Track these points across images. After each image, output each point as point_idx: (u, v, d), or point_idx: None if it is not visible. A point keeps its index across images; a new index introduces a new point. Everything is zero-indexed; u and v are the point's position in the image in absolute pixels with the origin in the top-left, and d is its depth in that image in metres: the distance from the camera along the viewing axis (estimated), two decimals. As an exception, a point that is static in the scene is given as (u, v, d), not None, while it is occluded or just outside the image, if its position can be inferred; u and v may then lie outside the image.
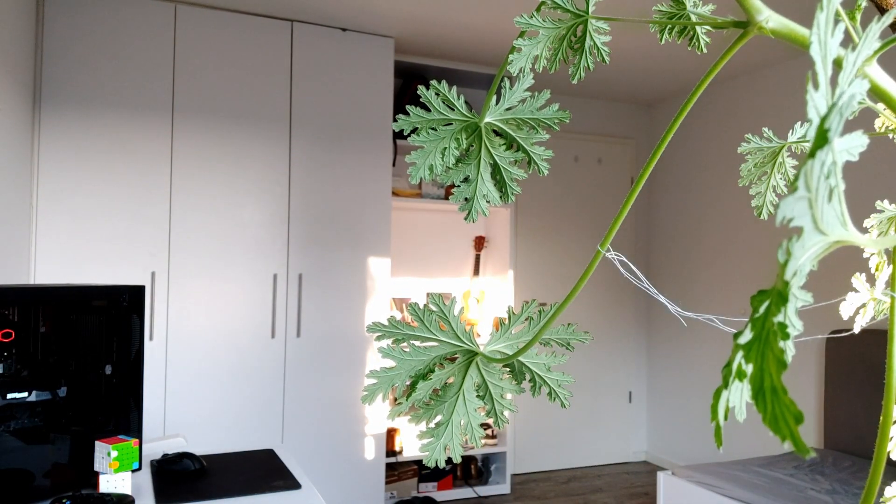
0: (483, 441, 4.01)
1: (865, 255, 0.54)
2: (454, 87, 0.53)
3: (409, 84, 3.86)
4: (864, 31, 0.28)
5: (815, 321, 3.04)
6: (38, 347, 1.37)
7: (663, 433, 4.61)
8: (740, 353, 0.25)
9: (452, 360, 0.50)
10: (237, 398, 3.07)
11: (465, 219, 0.55)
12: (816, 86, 0.25)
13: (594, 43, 0.51)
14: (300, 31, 3.23)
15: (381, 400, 0.50)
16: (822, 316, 2.38)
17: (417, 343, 0.49)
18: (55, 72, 2.80)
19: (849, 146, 0.27)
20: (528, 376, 0.52)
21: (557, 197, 4.54)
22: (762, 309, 0.25)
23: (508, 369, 0.52)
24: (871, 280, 0.54)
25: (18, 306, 1.34)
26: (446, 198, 3.92)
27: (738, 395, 0.26)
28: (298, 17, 3.21)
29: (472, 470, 4.02)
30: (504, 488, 3.96)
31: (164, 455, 1.60)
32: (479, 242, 4.22)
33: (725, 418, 0.26)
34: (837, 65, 0.27)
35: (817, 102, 0.25)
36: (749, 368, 0.25)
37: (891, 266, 0.53)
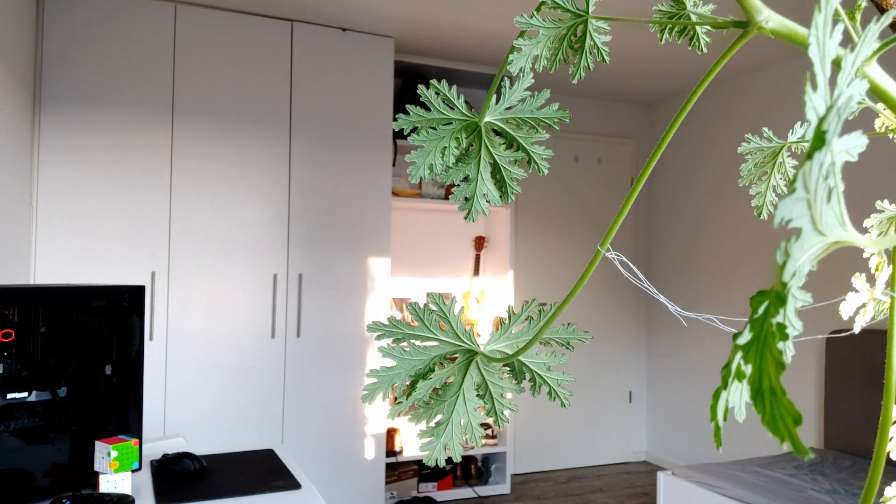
0: (483, 441, 4.01)
1: (865, 255, 0.54)
2: (454, 87, 0.53)
3: (409, 84, 3.86)
4: (863, 32, 0.28)
5: (815, 321, 3.04)
6: (38, 347, 1.37)
7: (663, 433, 4.61)
8: (739, 354, 0.25)
9: (452, 359, 0.50)
10: (237, 398, 3.07)
11: (465, 218, 0.55)
12: (815, 87, 0.25)
13: (594, 43, 0.51)
14: (300, 31, 3.23)
15: (381, 399, 0.50)
16: (822, 316, 2.38)
17: (417, 342, 0.49)
18: (55, 72, 2.80)
19: (848, 147, 0.27)
20: (528, 376, 0.52)
21: (557, 197, 4.54)
22: (761, 310, 0.25)
23: (508, 369, 0.52)
24: (871, 280, 0.54)
25: (18, 306, 1.34)
26: (446, 197, 3.92)
27: (738, 396, 0.26)
28: (298, 17, 3.21)
29: (472, 470, 4.02)
30: (504, 488, 3.96)
31: (164, 455, 1.60)
32: (479, 242, 4.22)
33: (725, 419, 0.26)
34: (836, 65, 0.27)
35: (816, 103, 0.25)
36: (748, 369, 0.25)
37: (891, 266, 0.53)
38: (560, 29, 0.51)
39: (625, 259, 0.51)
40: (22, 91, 2.60)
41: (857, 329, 0.55)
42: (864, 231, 0.56)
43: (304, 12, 3.15)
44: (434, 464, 0.47)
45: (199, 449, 1.90)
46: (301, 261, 3.21)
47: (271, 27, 3.17)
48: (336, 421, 3.26)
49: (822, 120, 0.24)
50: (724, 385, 0.26)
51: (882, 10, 0.51)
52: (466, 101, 0.53)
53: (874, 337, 2.94)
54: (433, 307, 0.50)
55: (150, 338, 2.91)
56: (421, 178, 0.52)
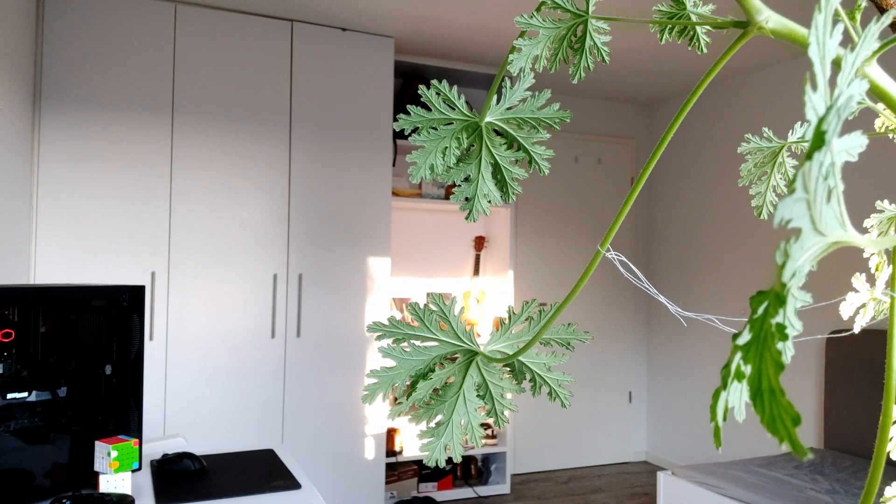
0: (483, 441, 4.01)
1: (865, 255, 0.54)
2: (455, 87, 0.53)
3: (409, 84, 3.86)
4: (863, 32, 0.28)
5: (815, 321, 3.04)
6: (38, 347, 1.37)
7: (663, 433, 4.61)
8: (739, 354, 0.25)
9: (452, 359, 0.50)
10: (237, 398, 3.07)
11: (466, 218, 0.55)
12: (815, 87, 0.25)
13: (594, 43, 0.51)
14: (300, 31, 3.23)
15: (382, 399, 0.50)
16: (822, 316, 2.38)
17: (417, 343, 0.49)
18: (55, 72, 2.80)
19: (848, 147, 0.27)
20: (528, 376, 0.52)
21: (557, 197, 4.54)
22: (761, 310, 0.25)
23: (508, 369, 0.52)
24: (871, 280, 0.54)
25: (18, 306, 1.34)
26: (446, 198, 3.92)
27: (737, 396, 0.26)
28: (298, 17, 3.21)
29: (472, 470, 4.02)
30: (504, 488, 3.96)
31: (164, 455, 1.60)
32: (479, 242, 4.22)
33: (724, 419, 0.26)
34: (836, 65, 0.27)
35: (815, 104, 0.25)
36: (748, 369, 0.25)
37: (891, 266, 0.53)
38: (560, 29, 0.51)
39: (625, 259, 0.51)
40: (22, 91, 2.60)
41: (857, 329, 0.55)
42: (863, 231, 0.56)
43: (304, 12, 3.15)
44: (434, 464, 0.47)
45: (199, 449, 1.90)
46: (301, 261, 3.21)
47: (271, 27, 3.17)
48: (336, 421, 3.26)
49: (821, 120, 0.24)
50: (724, 385, 0.26)
51: (882, 10, 0.51)
52: (467, 102, 0.53)
53: (874, 337, 2.94)
54: (433, 307, 0.50)
55: (150, 338, 2.91)
56: (421, 178, 0.52)
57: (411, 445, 3.76)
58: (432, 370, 0.49)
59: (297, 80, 3.22)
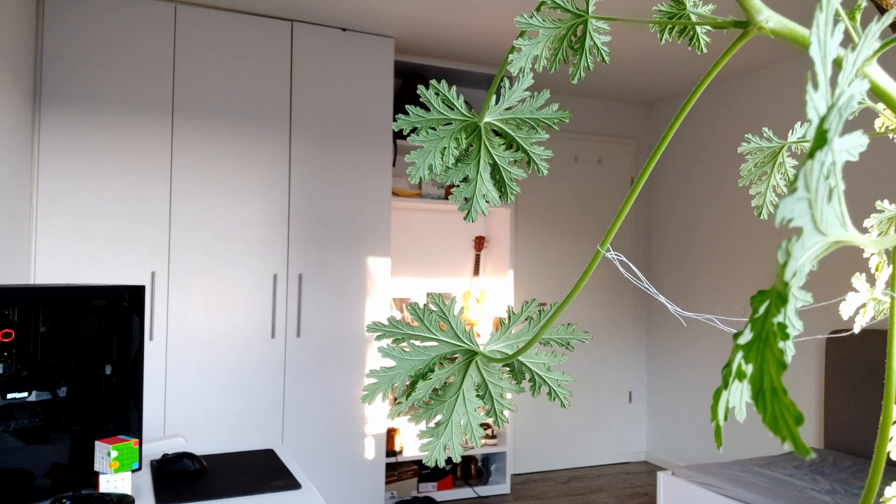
0: (483, 441, 4.02)
1: (865, 255, 0.54)
2: (454, 87, 0.53)
3: (409, 84, 3.86)
4: (863, 31, 0.28)
5: (815, 321, 3.04)
6: (38, 347, 1.37)
7: (663, 433, 4.61)
8: (740, 354, 0.25)
9: (452, 359, 0.50)
10: (237, 398, 3.07)
11: (465, 218, 0.55)
12: (816, 86, 0.25)
13: (594, 43, 0.51)
14: (300, 30, 3.23)
15: (381, 399, 0.50)
16: (822, 316, 2.38)
17: (417, 343, 0.49)
18: (55, 72, 2.79)
19: (848, 146, 0.27)
20: (527, 376, 0.52)
21: (557, 197, 4.54)
22: (762, 309, 0.25)
23: (508, 369, 0.52)
24: (871, 280, 0.54)
25: (18, 306, 1.34)
26: (446, 198, 3.92)
27: (738, 396, 0.26)
28: (298, 17, 3.21)
29: (472, 470, 4.02)
30: (504, 488, 3.96)
31: (164, 455, 1.60)
32: (479, 242, 4.22)
33: (725, 419, 0.26)
34: (837, 65, 0.27)
35: (817, 103, 0.25)
36: (749, 369, 0.25)
37: (891, 266, 0.53)
38: (560, 29, 0.51)
39: (625, 259, 0.50)
40: (22, 91, 2.60)
41: (857, 329, 0.55)
42: (864, 231, 0.56)
43: (304, 12, 3.15)
44: (434, 464, 0.47)
45: (199, 449, 1.90)
46: (301, 261, 3.21)
47: (271, 27, 3.17)
48: (336, 421, 3.26)
49: (823, 119, 0.24)
50: (725, 385, 0.26)
51: (882, 10, 0.51)
52: (466, 102, 0.53)
53: (874, 337, 2.94)
54: (433, 307, 0.50)
55: (150, 338, 2.91)
56: (421, 179, 0.52)
57: (411, 445, 3.75)
58: (432, 370, 0.49)
59: (297, 80, 3.22)
